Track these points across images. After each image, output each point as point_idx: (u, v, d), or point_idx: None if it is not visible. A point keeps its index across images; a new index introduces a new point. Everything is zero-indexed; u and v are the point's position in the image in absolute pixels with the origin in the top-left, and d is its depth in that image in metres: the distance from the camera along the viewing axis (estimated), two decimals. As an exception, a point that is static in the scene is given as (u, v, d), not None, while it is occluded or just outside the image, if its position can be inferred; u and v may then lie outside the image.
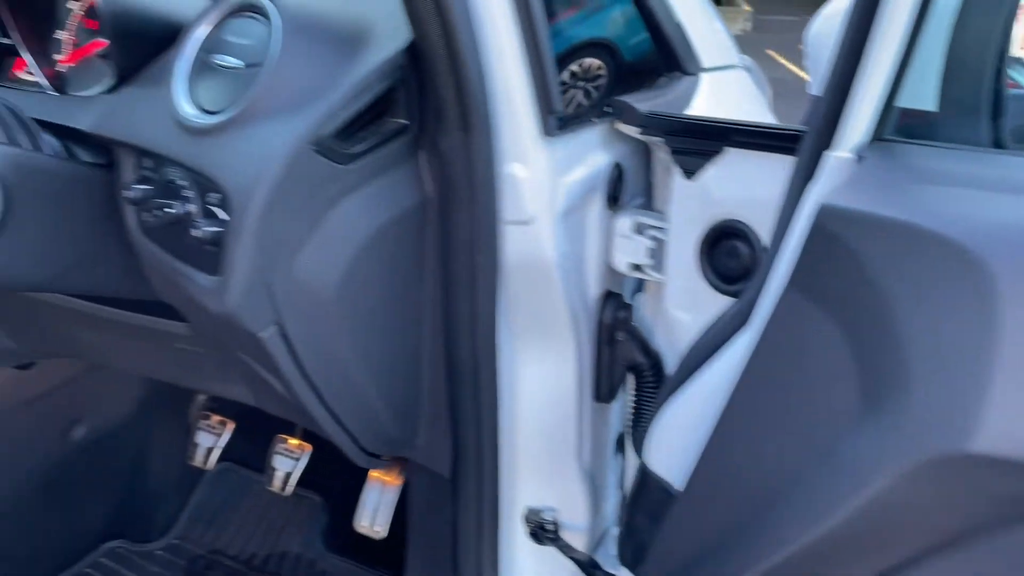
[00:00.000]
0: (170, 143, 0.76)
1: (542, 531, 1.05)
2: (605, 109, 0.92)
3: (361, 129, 0.77)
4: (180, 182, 0.76)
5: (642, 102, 0.93)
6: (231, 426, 1.40)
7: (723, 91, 1.14)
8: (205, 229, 0.73)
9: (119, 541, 1.44)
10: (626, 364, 1.02)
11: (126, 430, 1.46)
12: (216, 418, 1.39)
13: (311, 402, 0.87)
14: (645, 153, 1.04)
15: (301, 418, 1.04)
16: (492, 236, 0.84)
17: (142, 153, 0.79)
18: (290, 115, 0.72)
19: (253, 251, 0.72)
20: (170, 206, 0.75)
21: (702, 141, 0.85)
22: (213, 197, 0.74)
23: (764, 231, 0.83)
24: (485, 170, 0.80)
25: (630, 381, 1.05)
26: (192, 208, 0.75)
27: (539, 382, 0.98)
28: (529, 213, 0.84)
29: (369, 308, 0.86)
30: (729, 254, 0.86)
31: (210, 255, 0.75)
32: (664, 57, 1.06)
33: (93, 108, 0.81)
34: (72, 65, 0.89)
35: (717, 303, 0.88)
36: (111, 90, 0.82)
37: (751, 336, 0.76)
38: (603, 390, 1.03)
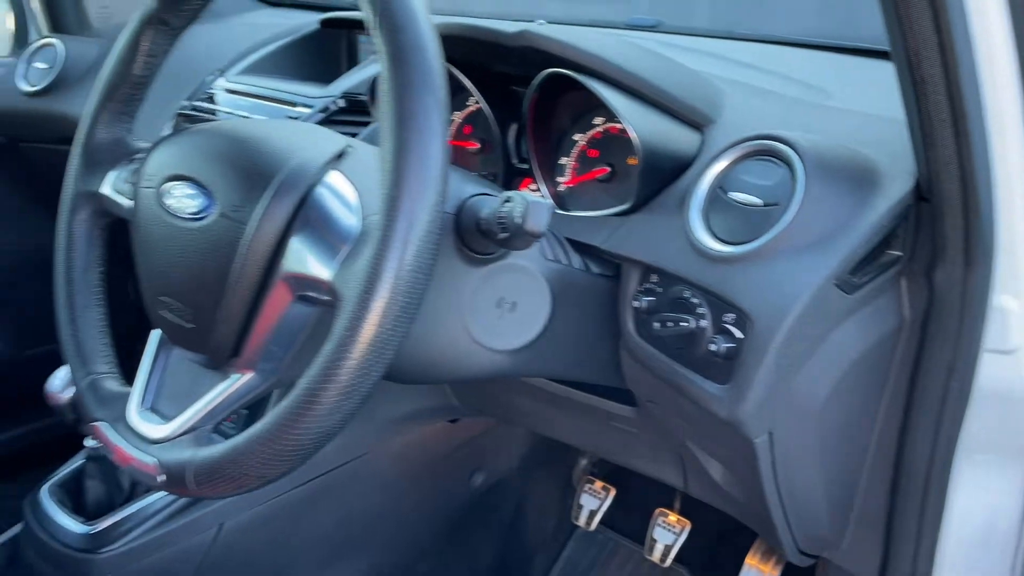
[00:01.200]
0: (684, 265, 0.88)
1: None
2: None
3: (867, 263, 0.84)
4: (692, 299, 0.87)
5: None
6: (612, 492, 1.52)
7: None
8: (722, 345, 0.83)
9: None
10: (1076, 494, 0.99)
11: (511, 482, 1.64)
12: (599, 483, 1.53)
13: (773, 501, 0.95)
14: None
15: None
16: (972, 363, 0.87)
17: (648, 269, 0.93)
18: (815, 253, 0.81)
19: (768, 369, 0.82)
20: (684, 320, 0.87)
21: None
22: (728, 317, 0.84)
23: None
24: (979, 302, 0.84)
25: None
26: (705, 324, 0.86)
27: (980, 501, 0.98)
28: (1014, 343, 0.86)
29: (840, 420, 0.92)
30: None
31: (718, 366, 0.85)
32: None
33: (605, 227, 0.96)
34: (570, 187, 1.06)
35: None
36: (624, 213, 0.96)
37: None
38: (1046, 518, 1.00)
